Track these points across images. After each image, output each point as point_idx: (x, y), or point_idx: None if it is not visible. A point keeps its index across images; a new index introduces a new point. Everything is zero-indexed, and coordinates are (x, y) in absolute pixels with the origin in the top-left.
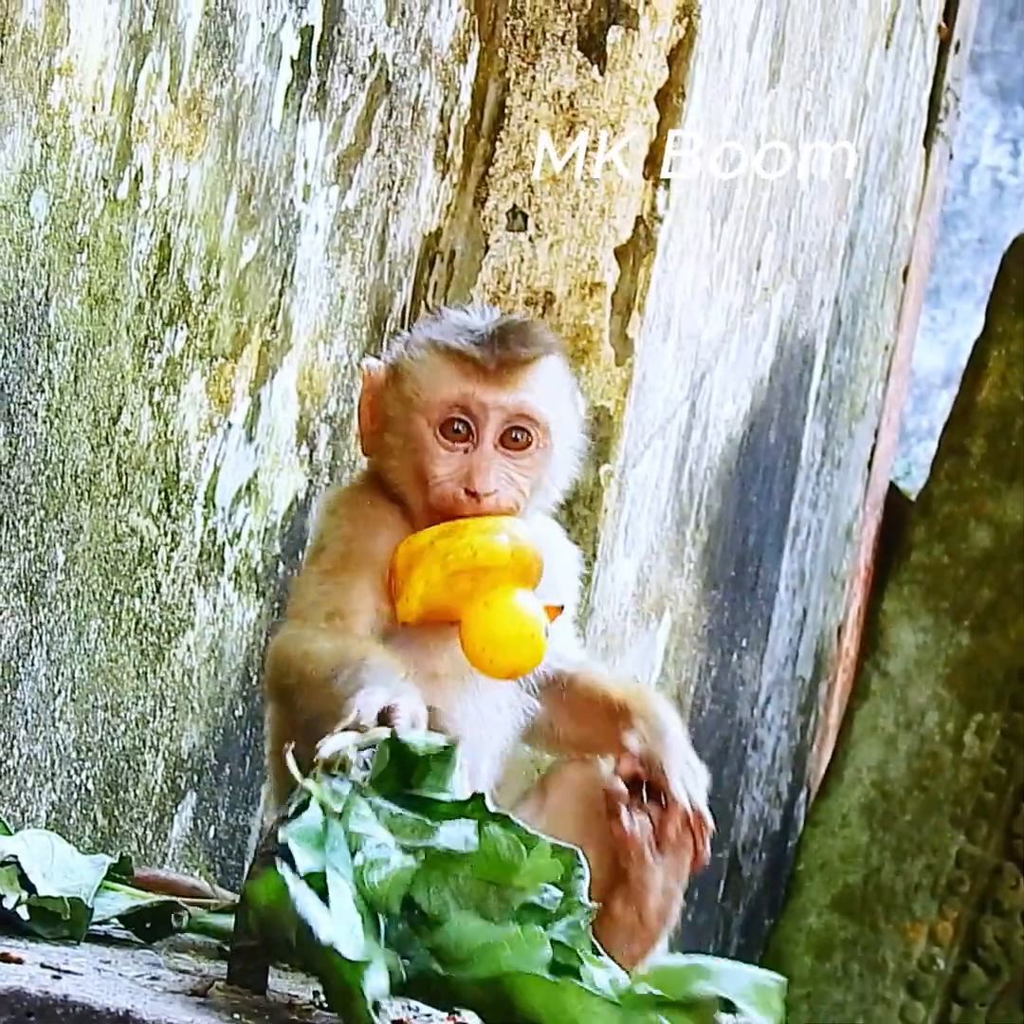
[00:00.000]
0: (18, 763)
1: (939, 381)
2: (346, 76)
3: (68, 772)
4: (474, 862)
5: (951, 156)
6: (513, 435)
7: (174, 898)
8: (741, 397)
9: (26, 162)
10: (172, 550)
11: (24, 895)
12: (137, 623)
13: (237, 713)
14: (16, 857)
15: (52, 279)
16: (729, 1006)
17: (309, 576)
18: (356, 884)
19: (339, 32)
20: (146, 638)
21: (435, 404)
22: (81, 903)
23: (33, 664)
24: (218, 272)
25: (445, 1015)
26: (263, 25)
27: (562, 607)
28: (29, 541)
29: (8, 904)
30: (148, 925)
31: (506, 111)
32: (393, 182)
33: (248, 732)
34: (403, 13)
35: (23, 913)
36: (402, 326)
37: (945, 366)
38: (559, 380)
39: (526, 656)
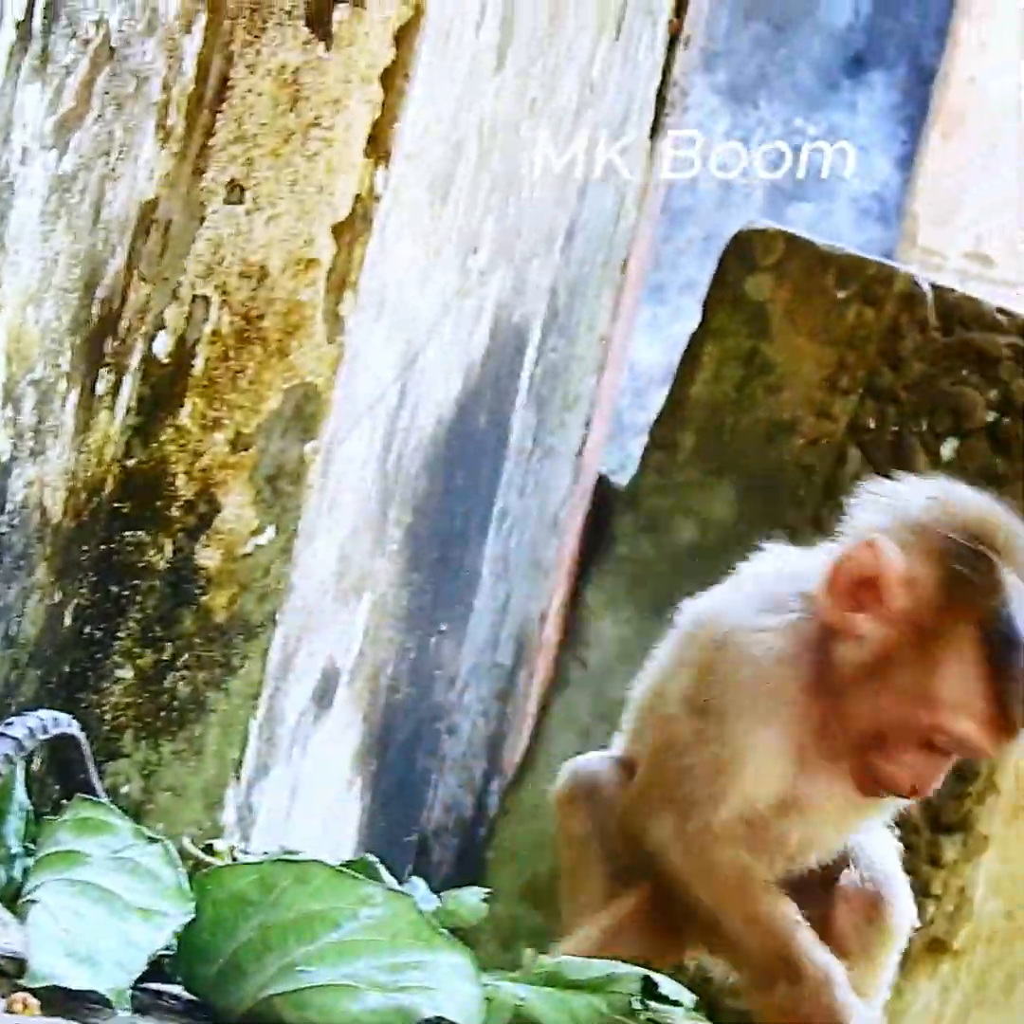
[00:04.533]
0: None
1: (660, 376)
2: (69, 40)
3: None
4: None
5: (675, 150)
6: None
7: None
8: (452, 380)
9: None
10: None
11: None
12: None
13: None
14: None
15: None
16: (648, 986)
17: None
18: None
19: None
20: None
21: (949, 730)
22: None
23: None
24: None
25: None
26: None
27: None
28: None
29: None
30: None
31: (229, 84)
32: (112, 149)
33: None
34: None
35: None
36: (115, 295)
37: (666, 362)
38: None
39: None
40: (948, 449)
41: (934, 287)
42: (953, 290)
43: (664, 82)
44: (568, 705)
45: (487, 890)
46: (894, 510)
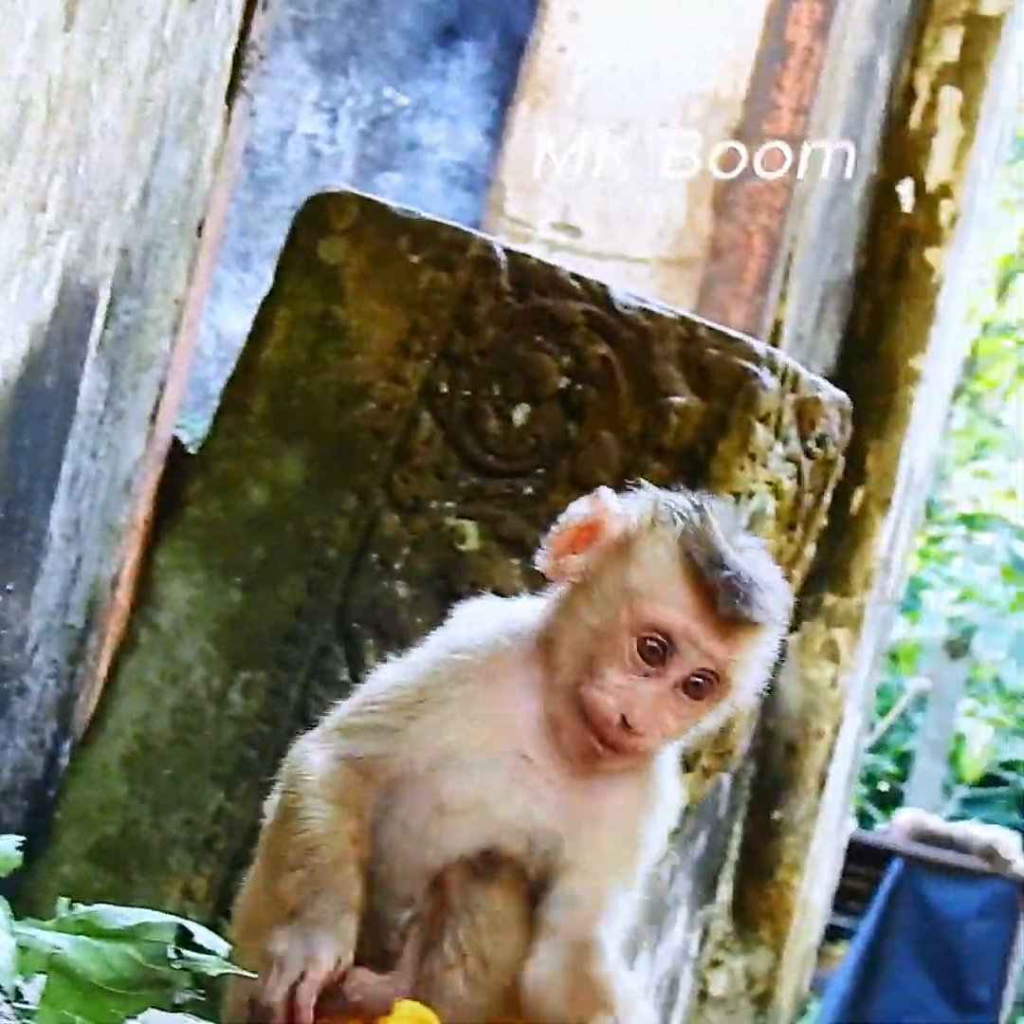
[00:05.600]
0: None
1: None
2: None
3: None
4: None
5: (253, 114)
6: (695, 680)
7: None
8: (19, 340)
9: None
10: None
11: None
12: None
13: None
14: None
15: None
16: (183, 936)
17: (386, 685)
18: None
19: None
20: None
21: (652, 619)
22: None
23: None
24: None
25: None
26: None
27: None
28: None
29: None
30: None
31: None
32: None
33: None
34: None
35: None
36: None
37: None
38: (768, 653)
39: None
40: (520, 414)
41: (508, 253)
42: (528, 256)
43: (242, 45)
44: (138, 667)
45: (20, 839)
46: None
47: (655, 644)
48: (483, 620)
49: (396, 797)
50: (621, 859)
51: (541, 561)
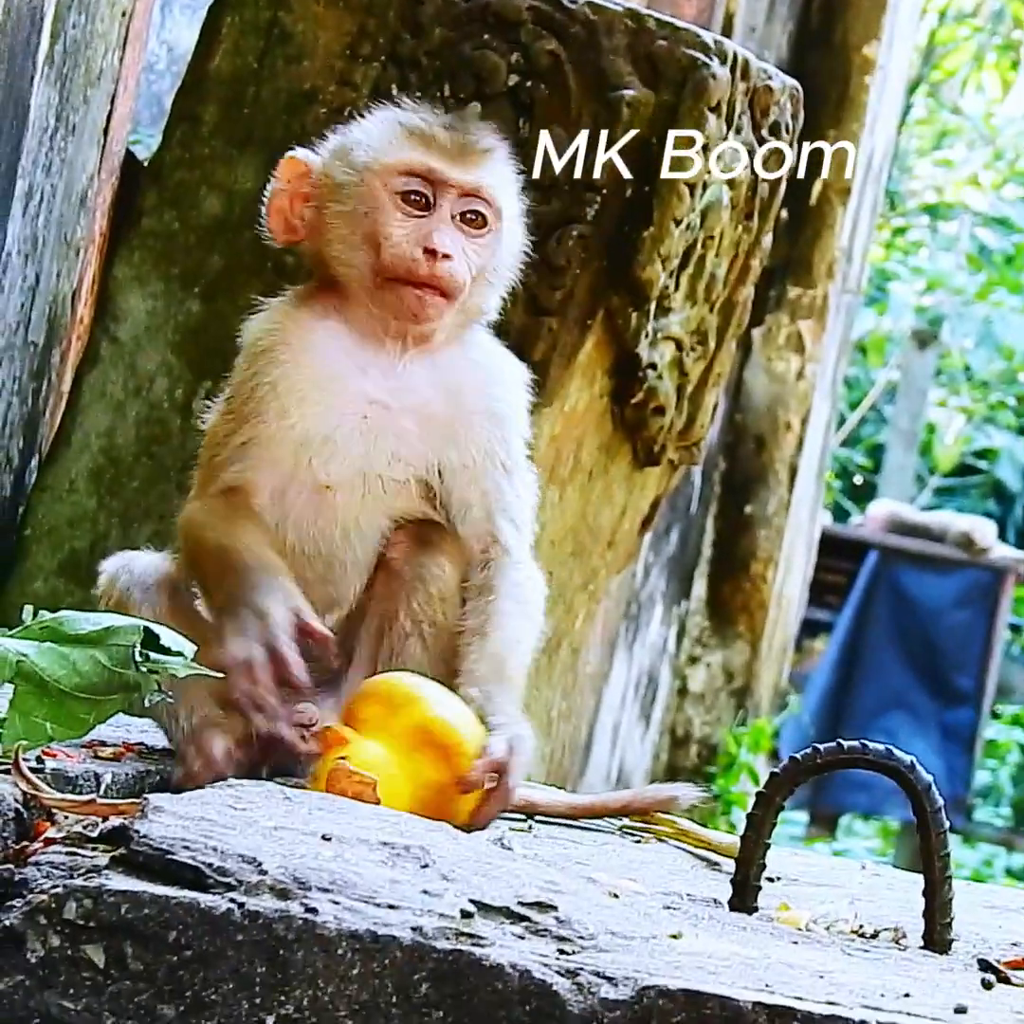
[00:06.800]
0: None
1: None
2: None
3: None
4: None
5: None
6: (469, 215)
7: None
8: None
9: None
10: None
11: None
12: None
13: None
14: None
15: None
16: (149, 638)
17: (217, 427)
18: None
19: None
20: None
21: (394, 167)
22: None
23: None
24: None
25: None
26: None
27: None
28: None
29: None
30: None
31: None
32: None
33: None
34: None
35: None
36: None
37: None
38: (510, 174)
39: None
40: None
41: None
42: None
43: None
44: (101, 380)
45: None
46: None
47: (414, 192)
48: (263, 315)
49: (287, 507)
50: (494, 440)
51: (273, 236)
